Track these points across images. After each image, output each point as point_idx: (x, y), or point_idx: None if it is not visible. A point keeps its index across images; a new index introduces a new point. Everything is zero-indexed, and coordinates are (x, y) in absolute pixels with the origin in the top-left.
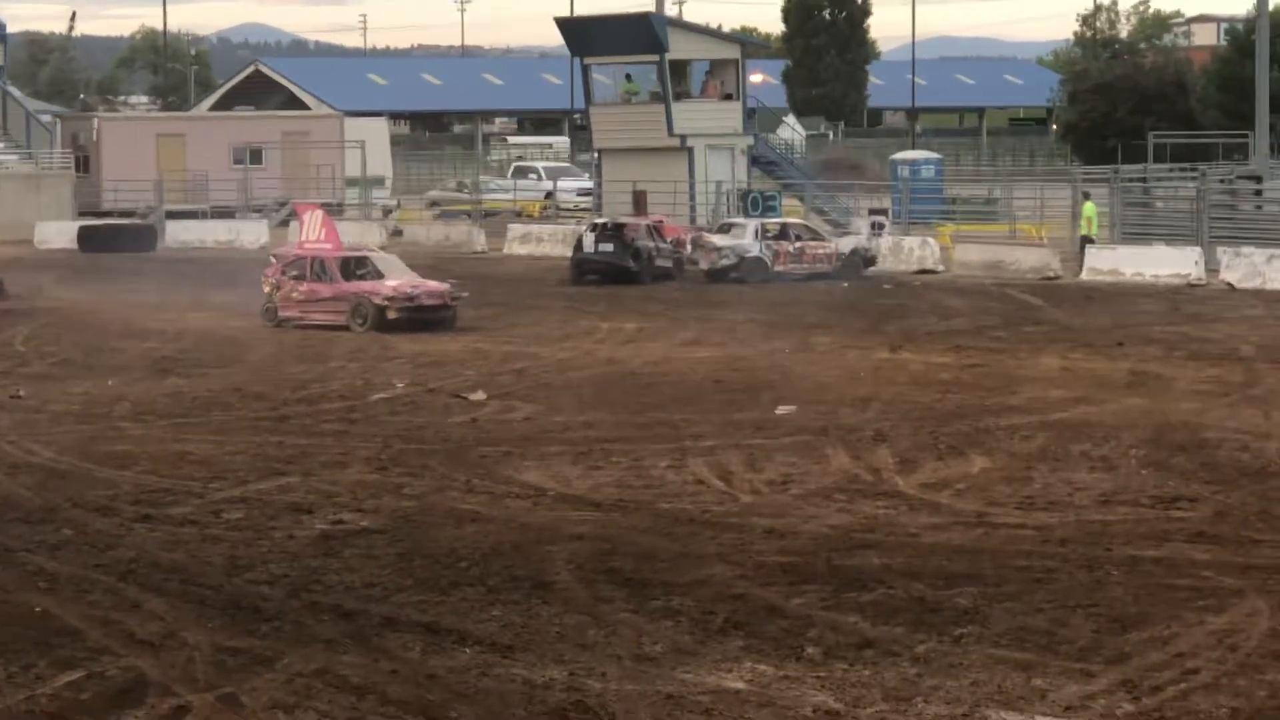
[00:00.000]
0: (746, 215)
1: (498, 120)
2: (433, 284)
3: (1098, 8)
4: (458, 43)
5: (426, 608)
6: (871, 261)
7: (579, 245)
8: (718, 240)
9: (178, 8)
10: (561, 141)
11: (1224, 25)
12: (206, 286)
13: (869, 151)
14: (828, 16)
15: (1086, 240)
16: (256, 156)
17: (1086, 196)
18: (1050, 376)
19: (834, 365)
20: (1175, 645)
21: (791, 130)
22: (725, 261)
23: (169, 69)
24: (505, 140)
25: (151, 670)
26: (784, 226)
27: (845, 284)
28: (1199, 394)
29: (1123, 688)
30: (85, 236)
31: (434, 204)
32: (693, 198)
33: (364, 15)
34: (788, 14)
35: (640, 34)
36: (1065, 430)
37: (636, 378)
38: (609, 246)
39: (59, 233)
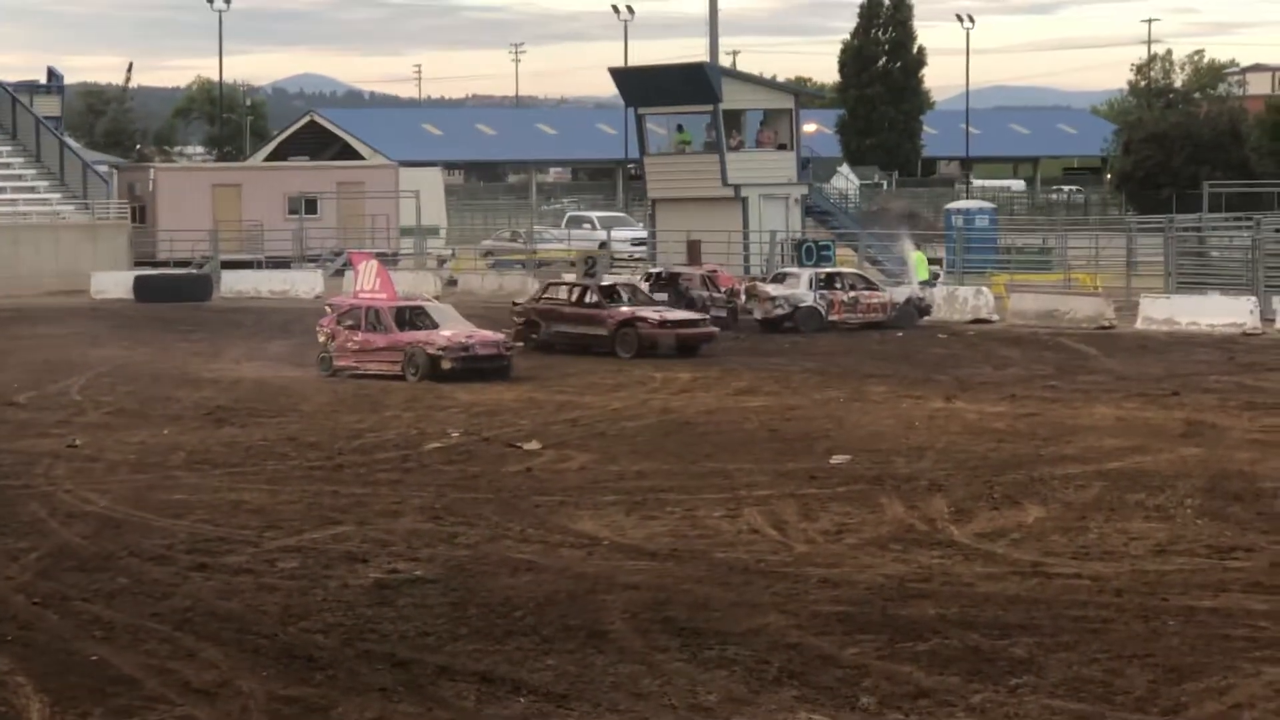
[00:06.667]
0: (801, 265)
1: (552, 170)
2: (487, 334)
3: (1152, 57)
4: (512, 93)
5: (481, 657)
6: (926, 311)
7: None
8: (772, 290)
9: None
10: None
11: (1279, 75)
12: (261, 336)
13: (923, 201)
14: (882, 66)
15: (926, 285)
16: (311, 206)
17: (917, 247)
18: (1105, 426)
19: (888, 414)
20: (1232, 696)
21: (845, 180)
22: (780, 311)
23: (225, 120)
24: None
25: (207, 719)
26: (838, 275)
27: (900, 333)
28: (1255, 443)
29: None
30: (141, 286)
31: (488, 253)
32: (747, 247)
33: (419, 66)
34: (843, 64)
35: (694, 84)
36: (1120, 480)
37: (691, 427)
38: (663, 296)
39: (115, 283)
